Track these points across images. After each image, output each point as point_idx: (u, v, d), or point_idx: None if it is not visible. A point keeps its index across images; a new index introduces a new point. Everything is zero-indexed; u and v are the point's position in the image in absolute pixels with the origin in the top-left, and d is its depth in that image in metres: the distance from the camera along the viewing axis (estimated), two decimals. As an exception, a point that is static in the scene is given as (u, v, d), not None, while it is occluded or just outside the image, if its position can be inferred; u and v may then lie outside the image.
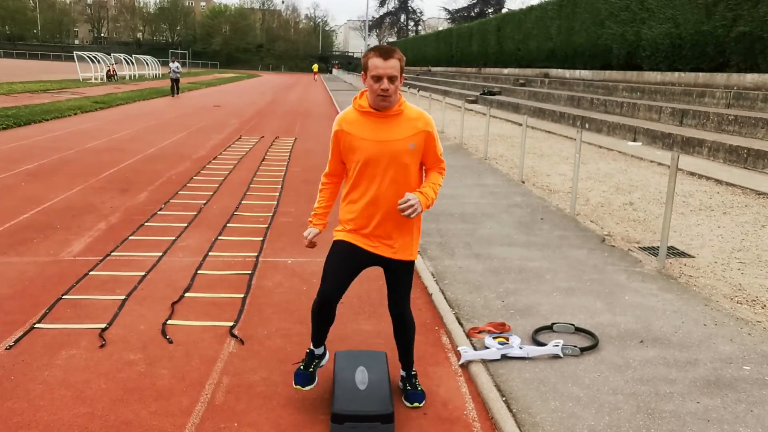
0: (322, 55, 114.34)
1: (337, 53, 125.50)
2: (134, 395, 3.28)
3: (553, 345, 3.81)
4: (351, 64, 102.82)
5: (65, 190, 8.16)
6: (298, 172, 10.13)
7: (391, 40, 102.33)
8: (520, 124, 10.59)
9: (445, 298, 4.70)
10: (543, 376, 3.53)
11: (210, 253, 5.71)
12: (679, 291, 4.97)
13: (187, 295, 4.70)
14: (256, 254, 5.73)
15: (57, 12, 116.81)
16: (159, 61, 54.51)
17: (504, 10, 66.59)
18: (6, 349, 3.74)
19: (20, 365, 3.56)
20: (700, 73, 17.54)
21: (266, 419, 3.12)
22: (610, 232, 6.71)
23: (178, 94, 28.92)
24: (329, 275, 3.08)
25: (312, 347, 3.28)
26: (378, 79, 2.82)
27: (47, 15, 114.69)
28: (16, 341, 3.84)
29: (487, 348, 3.80)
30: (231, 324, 4.20)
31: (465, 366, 3.70)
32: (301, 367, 3.26)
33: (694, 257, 5.90)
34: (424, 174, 3.14)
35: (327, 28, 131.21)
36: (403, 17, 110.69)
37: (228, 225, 6.72)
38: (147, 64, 51.31)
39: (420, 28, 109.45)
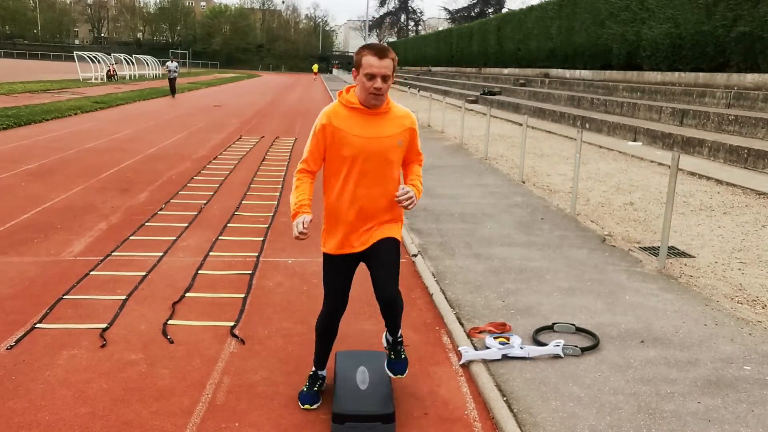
0: (323, 55, 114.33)
1: (337, 53, 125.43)
2: (135, 395, 3.28)
3: (554, 345, 3.81)
4: (351, 64, 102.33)
5: (66, 190, 8.17)
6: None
7: (391, 40, 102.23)
8: (521, 124, 10.59)
9: (446, 298, 4.70)
10: (544, 376, 3.53)
11: (210, 253, 5.71)
12: (679, 291, 4.97)
13: (187, 295, 4.71)
14: (256, 254, 5.73)
15: (57, 12, 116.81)
16: (159, 61, 54.49)
17: (504, 10, 66.59)
18: (7, 349, 3.75)
19: (21, 365, 3.56)
20: (701, 73, 17.54)
21: (267, 419, 3.12)
22: (611, 232, 6.71)
23: (174, 95, 28.64)
24: (332, 292, 3.15)
25: (315, 369, 3.33)
26: (371, 77, 2.82)
27: (47, 15, 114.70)
28: (17, 341, 3.84)
29: (488, 348, 3.80)
30: (232, 324, 4.20)
31: (466, 366, 3.71)
32: (305, 389, 3.29)
33: (694, 257, 5.90)
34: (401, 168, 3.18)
35: (327, 28, 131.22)
36: (403, 17, 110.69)
37: (228, 225, 6.72)
38: (147, 64, 51.32)
39: (420, 28, 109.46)
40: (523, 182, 9.50)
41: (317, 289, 4.90)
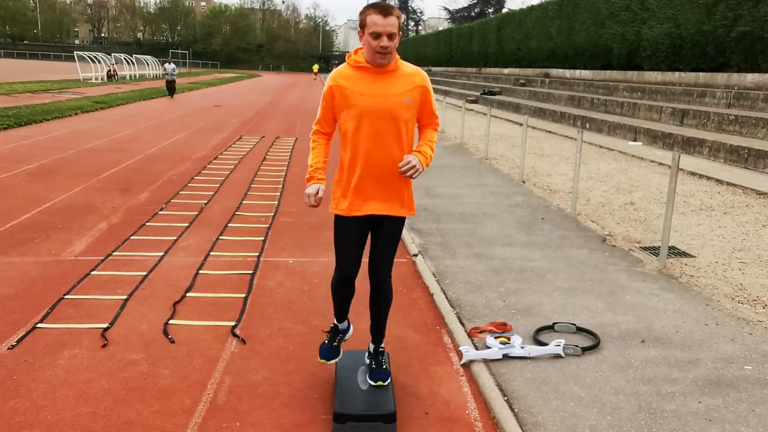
0: (323, 55, 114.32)
1: (337, 53, 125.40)
2: (136, 395, 3.28)
3: (555, 345, 3.81)
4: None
5: (66, 190, 8.17)
6: (299, 172, 10.13)
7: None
8: (521, 124, 10.59)
9: (447, 297, 4.71)
10: (544, 376, 3.53)
11: (211, 253, 5.71)
12: (680, 291, 4.97)
13: (188, 294, 4.71)
14: (257, 254, 5.74)
15: (57, 12, 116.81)
16: (159, 61, 54.52)
17: (504, 10, 66.59)
18: (8, 348, 3.75)
19: (23, 365, 3.56)
20: (701, 73, 17.54)
21: (268, 419, 3.12)
22: (611, 232, 6.72)
23: (173, 95, 28.26)
24: (341, 254, 3.12)
25: (335, 322, 3.34)
26: (377, 36, 2.82)
27: (47, 15, 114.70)
28: (19, 341, 3.85)
29: (489, 348, 3.81)
30: (233, 324, 4.21)
31: (466, 366, 3.71)
32: (326, 341, 3.31)
33: (695, 257, 5.91)
34: (417, 133, 3.14)
35: (327, 28, 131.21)
36: (403, 17, 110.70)
37: (229, 225, 6.73)
38: (147, 64, 51.33)
39: (420, 28, 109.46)
40: (524, 182, 9.50)
41: (318, 289, 4.91)
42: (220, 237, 6.25)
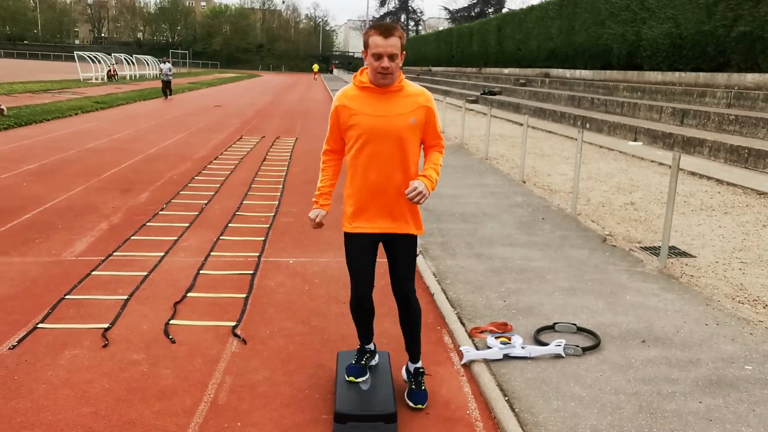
0: (323, 55, 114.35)
1: (337, 53, 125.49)
2: (137, 395, 3.29)
3: (555, 345, 3.81)
4: (351, 64, 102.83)
5: (66, 190, 8.17)
6: (299, 172, 10.14)
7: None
8: (521, 124, 10.60)
9: (447, 298, 4.71)
10: (545, 376, 3.54)
11: (212, 253, 5.72)
12: (680, 291, 4.98)
13: (189, 295, 4.71)
14: (257, 254, 5.74)
15: (57, 12, 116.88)
16: (159, 60, 54.51)
17: (504, 10, 66.54)
18: (9, 348, 3.75)
19: (24, 365, 3.56)
20: (701, 73, 17.54)
21: (269, 419, 3.12)
22: (612, 232, 6.72)
23: (170, 96, 27.80)
24: (355, 274, 3.14)
25: (361, 344, 3.38)
26: (378, 57, 2.84)
27: (47, 15, 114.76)
28: (20, 341, 3.85)
29: (489, 348, 3.81)
30: (233, 324, 4.21)
31: (467, 366, 3.71)
32: (353, 361, 3.33)
33: (695, 257, 5.91)
34: (422, 153, 3.16)
35: (327, 28, 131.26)
36: (403, 17, 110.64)
37: (229, 225, 6.73)
38: (147, 64, 51.32)
39: (420, 27, 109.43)
40: (524, 182, 9.50)
41: (318, 289, 4.92)
42: (221, 237, 6.26)
